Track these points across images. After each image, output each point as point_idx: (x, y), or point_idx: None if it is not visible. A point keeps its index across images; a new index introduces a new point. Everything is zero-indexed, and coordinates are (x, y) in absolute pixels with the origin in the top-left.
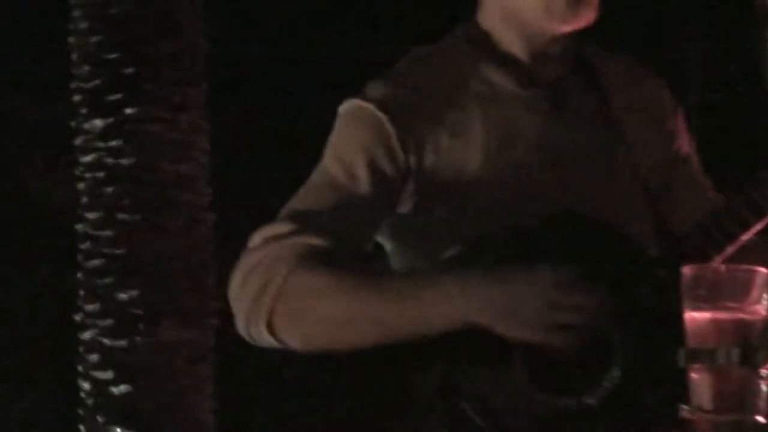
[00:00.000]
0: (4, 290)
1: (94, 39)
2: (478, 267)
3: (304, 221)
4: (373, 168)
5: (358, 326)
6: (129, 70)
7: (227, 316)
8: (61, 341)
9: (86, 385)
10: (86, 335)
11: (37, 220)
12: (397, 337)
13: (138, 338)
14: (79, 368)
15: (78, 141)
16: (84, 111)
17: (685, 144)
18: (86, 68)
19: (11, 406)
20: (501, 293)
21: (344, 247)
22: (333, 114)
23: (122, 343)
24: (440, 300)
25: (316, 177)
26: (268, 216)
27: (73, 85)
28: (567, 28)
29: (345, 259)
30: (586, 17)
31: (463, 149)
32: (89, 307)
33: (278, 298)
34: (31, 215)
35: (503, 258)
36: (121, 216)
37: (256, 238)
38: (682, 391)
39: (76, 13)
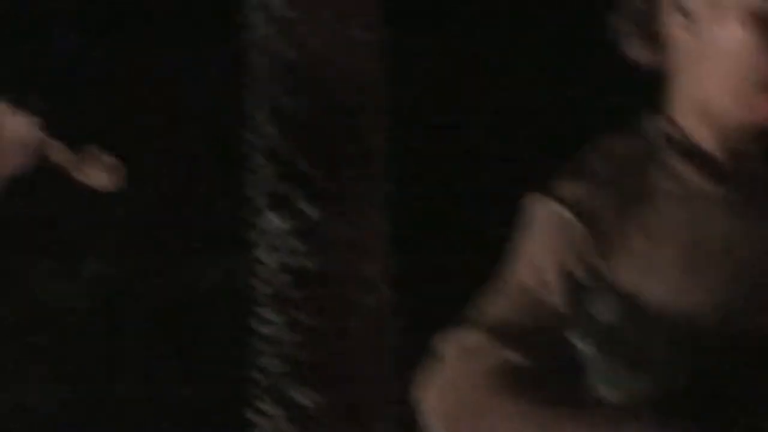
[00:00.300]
0: (177, 383)
1: (274, 139)
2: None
3: (498, 333)
4: (565, 274)
5: None
6: (312, 171)
7: (408, 423)
8: None
9: None
10: None
11: (213, 314)
12: None
13: None
14: None
15: (258, 239)
16: (266, 210)
17: None
18: (269, 169)
19: None
20: None
21: (541, 363)
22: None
23: None
24: None
25: (504, 279)
26: (449, 320)
27: (254, 182)
28: (760, 119)
29: (542, 377)
30: None
31: (656, 253)
32: (269, 410)
33: (480, 418)
34: (207, 307)
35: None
36: (303, 319)
37: (450, 349)
38: None
39: (255, 113)
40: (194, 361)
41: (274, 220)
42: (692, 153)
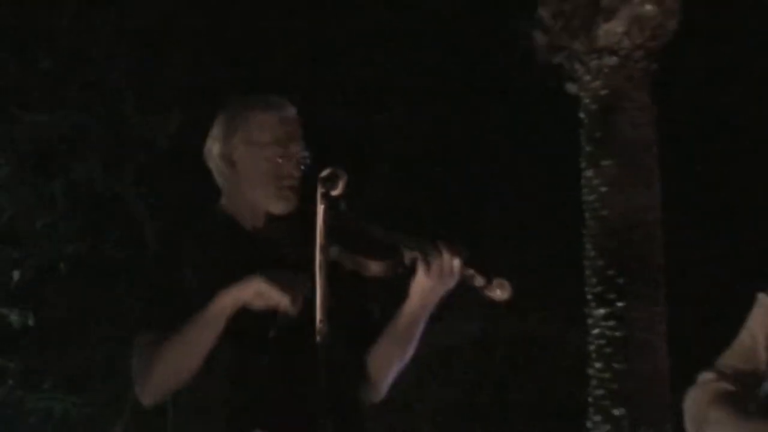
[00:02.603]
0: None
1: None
2: None
3: (722, 373)
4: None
5: None
6: (619, 280)
7: None
8: None
9: None
10: None
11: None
12: None
13: None
14: None
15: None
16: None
17: None
18: (594, 280)
19: None
20: None
21: (745, 391)
22: None
23: None
24: None
25: (737, 340)
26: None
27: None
28: None
29: (746, 400)
30: None
31: None
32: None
33: (704, 421)
34: (544, 358)
35: None
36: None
37: (701, 378)
38: None
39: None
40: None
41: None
42: None
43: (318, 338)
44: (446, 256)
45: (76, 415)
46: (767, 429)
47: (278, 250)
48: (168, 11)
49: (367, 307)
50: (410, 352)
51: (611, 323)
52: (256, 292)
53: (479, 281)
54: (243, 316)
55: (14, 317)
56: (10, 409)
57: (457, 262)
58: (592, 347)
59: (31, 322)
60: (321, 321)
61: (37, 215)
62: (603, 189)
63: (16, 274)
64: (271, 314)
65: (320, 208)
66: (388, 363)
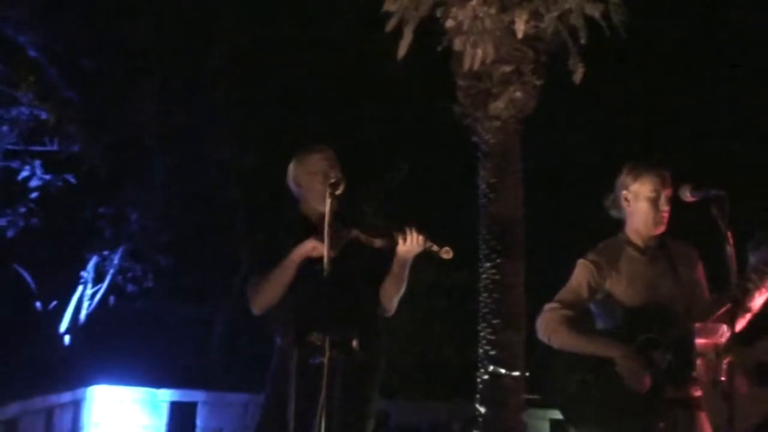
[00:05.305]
0: None
1: None
2: (619, 338)
3: (563, 302)
4: (588, 285)
5: (577, 348)
6: (498, 246)
7: None
8: None
9: None
10: None
11: None
12: (590, 353)
13: None
14: None
15: None
16: None
17: (701, 276)
18: (484, 245)
19: None
20: (620, 349)
21: (577, 314)
22: None
23: None
24: (609, 348)
25: (568, 285)
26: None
27: None
28: (657, 233)
29: (578, 319)
30: (661, 229)
31: (621, 281)
32: None
33: (552, 334)
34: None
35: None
36: None
37: (546, 306)
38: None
39: None
40: None
41: None
42: (633, 245)
43: (326, 275)
44: (415, 234)
45: None
46: (593, 338)
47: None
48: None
49: (377, 264)
50: (402, 288)
51: (493, 271)
52: (312, 246)
53: (434, 248)
54: (305, 263)
55: None
56: None
57: (421, 238)
58: (480, 285)
59: None
60: (327, 266)
61: None
62: (491, 196)
63: None
64: (320, 261)
65: (328, 201)
66: (390, 294)
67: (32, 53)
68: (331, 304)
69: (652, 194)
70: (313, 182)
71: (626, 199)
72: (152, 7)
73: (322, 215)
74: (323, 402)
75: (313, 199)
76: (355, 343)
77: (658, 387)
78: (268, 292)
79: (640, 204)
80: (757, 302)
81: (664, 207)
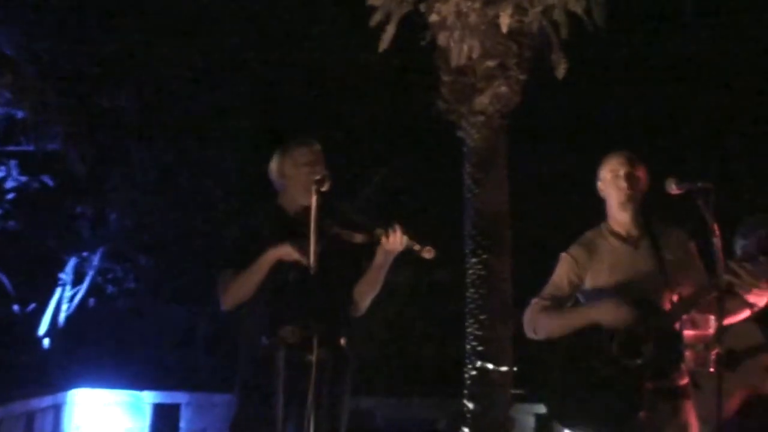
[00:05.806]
0: None
1: None
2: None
3: (544, 296)
4: (569, 279)
5: (561, 327)
6: (484, 241)
7: None
8: None
9: None
10: None
11: None
12: (578, 326)
13: None
14: None
15: None
16: None
17: (694, 251)
18: (470, 241)
19: None
20: (598, 307)
21: (557, 304)
22: None
23: None
24: (590, 310)
25: (550, 280)
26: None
27: None
28: (625, 213)
29: (557, 307)
30: (628, 209)
31: (603, 271)
32: None
33: (535, 325)
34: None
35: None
36: None
37: (532, 300)
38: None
39: None
40: None
41: None
42: (614, 232)
43: (311, 273)
44: (398, 233)
45: None
46: (571, 310)
47: (305, 226)
48: None
49: (356, 260)
50: (378, 288)
51: (479, 267)
52: (285, 252)
53: (416, 247)
54: (279, 264)
55: None
56: None
57: (404, 237)
58: (467, 280)
59: None
60: (313, 263)
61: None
62: (476, 191)
63: None
64: (293, 263)
65: (314, 198)
66: (365, 293)
67: (8, 51)
68: (317, 302)
69: (610, 174)
70: (299, 174)
71: (601, 189)
72: (134, 7)
73: (302, 208)
74: (312, 399)
75: (296, 191)
76: (343, 340)
77: (639, 378)
78: (239, 291)
79: (608, 190)
80: (760, 300)
81: (622, 184)
